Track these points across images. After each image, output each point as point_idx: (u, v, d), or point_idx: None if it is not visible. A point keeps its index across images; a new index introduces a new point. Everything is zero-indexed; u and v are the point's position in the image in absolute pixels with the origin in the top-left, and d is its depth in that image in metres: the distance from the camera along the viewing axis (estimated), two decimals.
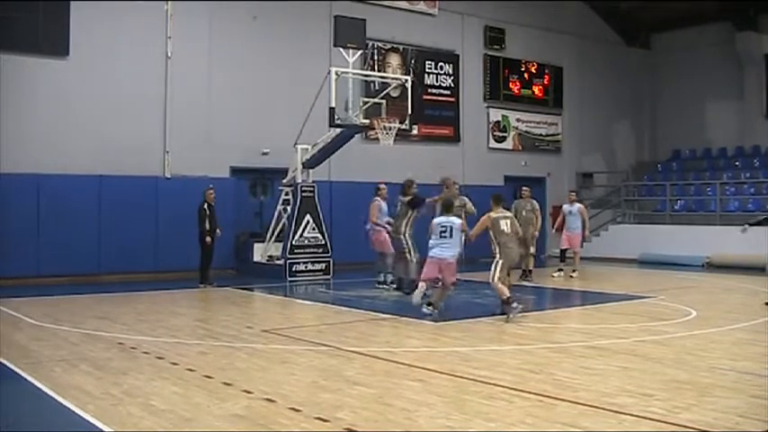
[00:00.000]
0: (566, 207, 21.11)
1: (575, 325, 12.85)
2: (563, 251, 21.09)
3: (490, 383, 8.36)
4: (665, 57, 32.46)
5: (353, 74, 19.95)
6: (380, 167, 23.22)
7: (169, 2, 20.98)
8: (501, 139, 28.57)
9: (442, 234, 13.14)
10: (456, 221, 13.28)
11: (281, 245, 20.47)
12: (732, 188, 27.48)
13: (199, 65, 21.48)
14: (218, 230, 18.58)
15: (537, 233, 19.13)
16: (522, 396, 7.85)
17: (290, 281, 19.58)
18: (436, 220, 13.45)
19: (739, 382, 8.60)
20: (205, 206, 18.36)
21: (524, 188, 19.95)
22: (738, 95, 30.49)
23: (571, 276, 19.97)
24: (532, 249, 19.30)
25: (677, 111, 31.98)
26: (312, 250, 20.30)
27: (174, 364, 9.43)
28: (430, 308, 13.09)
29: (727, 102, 30.75)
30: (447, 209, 13.53)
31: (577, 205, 20.94)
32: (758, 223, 20.71)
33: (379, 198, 17.59)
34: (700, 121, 31.50)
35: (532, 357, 9.96)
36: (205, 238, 18.26)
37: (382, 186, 17.84)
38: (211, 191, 18.64)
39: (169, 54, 21.02)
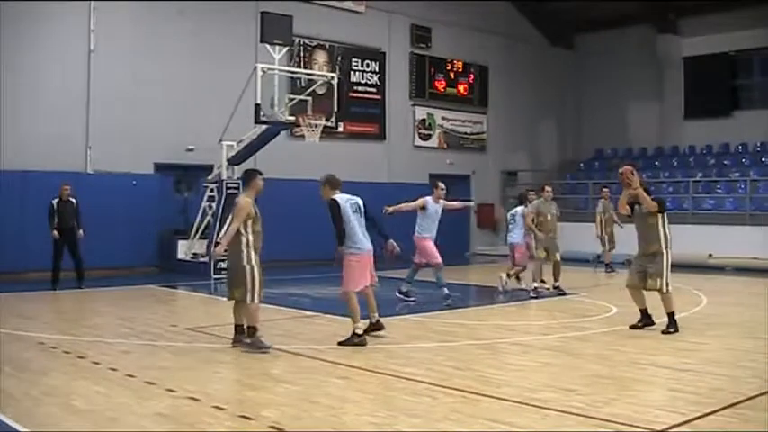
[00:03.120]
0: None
1: (499, 322, 12.97)
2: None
3: (415, 380, 8.40)
4: (589, 57, 32.98)
5: (279, 70, 19.92)
6: (306, 165, 23.17)
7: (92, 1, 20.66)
8: (426, 137, 28.73)
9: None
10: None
11: (205, 242, 20.30)
12: (651, 187, 27.86)
13: (122, 59, 21.15)
14: (80, 231, 17.47)
15: None
16: (447, 392, 7.90)
17: (215, 278, 19.38)
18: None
19: (658, 376, 8.82)
20: (54, 202, 17.36)
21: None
22: (659, 97, 31.21)
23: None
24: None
25: (600, 111, 32.57)
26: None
27: (96, 363, 9.29)
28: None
29: (647, 103, 31.44)
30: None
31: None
32: None
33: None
34: (621, 122, 32.12)
35: (457, 354, 10.04)
36: (52, 234, 17.20)
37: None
38: (67, 187, 17.53)
39: (92, 48, 20.68)
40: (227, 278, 10.49)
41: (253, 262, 10.01)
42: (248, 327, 10.09)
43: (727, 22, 28.85)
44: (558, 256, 16.59)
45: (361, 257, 10.70)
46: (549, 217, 16.47)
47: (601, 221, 21.55)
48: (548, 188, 17.01)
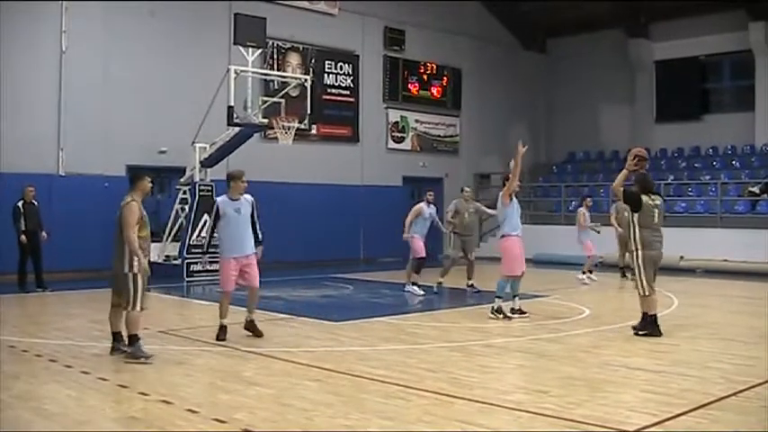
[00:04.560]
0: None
1: (472, 324, 13.01)
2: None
3: (388, 382, 8.41)
4: (561, 61, 33.14)
5: (253, 72, 19.87)
6: (279, 167, 23.19)
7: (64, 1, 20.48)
8: (400, 140, 28.74)
9: None
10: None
11: (178, 244, 20.21)
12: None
13: (95, 61, 20.97)
14: (43, 233, 17.27)
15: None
16: (420, 394, 7.92)
17: (188, 281, 19.34)
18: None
19: (630, 378, 8.86)
20: (20, 204, 17.14)
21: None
22: (630, 100, 31.46)
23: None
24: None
25: (572, 114, 32.75)
26: (210, 250, 20.02)
27: (68, 366, 9.24)
28: None
29: (619, 106, 31.68)
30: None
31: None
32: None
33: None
34: (593, 125, 32.35)
35: (429, 356, 10.05)
36: (20, 237, 17.00)
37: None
38: (31, 188, 17.34)
39: (64, 49, 20.53)
40: (110, 283, 10.15)
41: (135, 269, 9.75)
42: (129, 335, 9.80)
43: (698, 26, 29.20)
44: (472, 256, 17.55)
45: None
46: (466, 216, 17.51)
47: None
48: (466, 188, 18.59)
